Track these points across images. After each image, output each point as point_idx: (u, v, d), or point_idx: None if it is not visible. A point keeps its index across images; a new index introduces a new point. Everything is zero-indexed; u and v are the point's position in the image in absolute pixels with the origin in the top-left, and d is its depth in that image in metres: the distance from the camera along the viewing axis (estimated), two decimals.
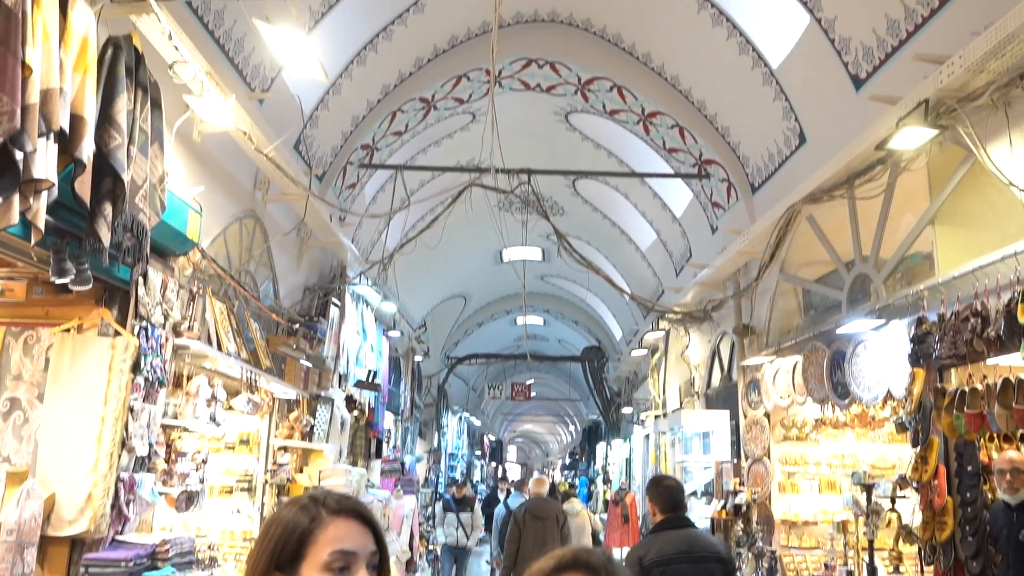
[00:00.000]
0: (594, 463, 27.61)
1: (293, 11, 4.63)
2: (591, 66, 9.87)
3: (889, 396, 6.34)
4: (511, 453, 57.85)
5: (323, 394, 9.89)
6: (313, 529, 1.66)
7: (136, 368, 5.24)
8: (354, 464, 11.34)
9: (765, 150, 8.84)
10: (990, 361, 5.06)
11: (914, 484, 5.83)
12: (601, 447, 25.56)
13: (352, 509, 1.72)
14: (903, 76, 6.05)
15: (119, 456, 5.10)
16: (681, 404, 13.28)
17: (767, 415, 8.86)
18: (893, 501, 6.25)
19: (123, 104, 4.54)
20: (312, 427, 9.18)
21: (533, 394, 28.96)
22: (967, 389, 5.03)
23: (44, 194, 3.89)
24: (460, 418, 30.44)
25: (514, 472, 45.86)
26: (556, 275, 19.57)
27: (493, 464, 42.45)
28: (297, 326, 8.69)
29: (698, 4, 8.14)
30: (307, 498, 1.74)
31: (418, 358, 18.58)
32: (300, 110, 7.97)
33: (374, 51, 8.82)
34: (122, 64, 4.59)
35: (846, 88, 6.96)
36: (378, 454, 13.09)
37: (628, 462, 18.86)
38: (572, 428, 45.02)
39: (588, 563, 1.67)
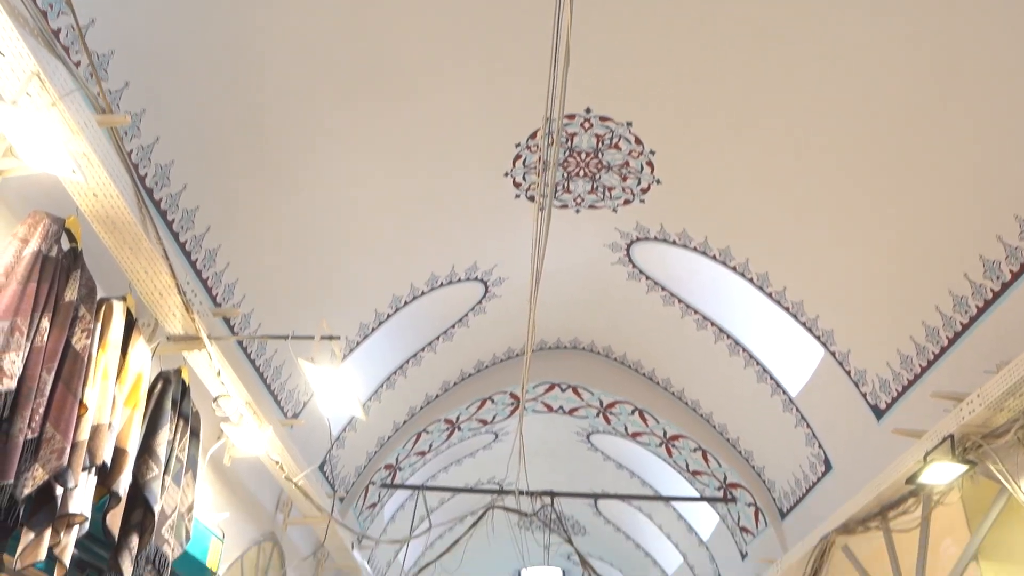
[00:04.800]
0: None
1: (335, 350, 4.93)
2: (612, 390, 10.16)
3: None
4: None
5: None
6: None
7: None
8: None
9: (791, 475, 8.78)
10: None
11: None
12: None
13: None
14: (925, 408, 6.17)
15: None
16: None
17: None
18: None
19: (164, 436, 4.67)
20: None
21: None
22: None
23: (75, 528, 3.89)
24: None
25: None
26: None
27: None
28: None
29: (714, 335, 8.57)
30: None
31: None
32: (329, 432, 8.13)
33: (403, 375, 9.18)
34: (169, 397, 4.80)
35: (867, 418, 7.08)
36: None
37: None
38: None
39: None
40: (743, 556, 10.46)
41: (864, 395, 7.10)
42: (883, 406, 6.93)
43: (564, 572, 17.02)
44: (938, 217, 5.77)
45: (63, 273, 3.87)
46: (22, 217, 3.80)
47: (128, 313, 4.40)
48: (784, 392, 8.24)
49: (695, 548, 12.07)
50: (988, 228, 5.41)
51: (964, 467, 5.37)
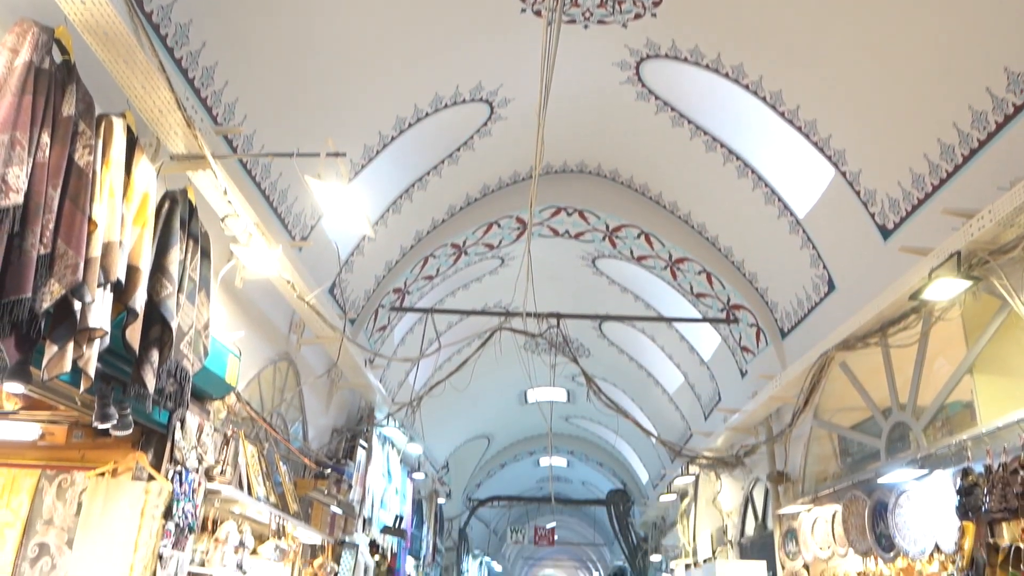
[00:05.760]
0: None
1: (341, 168, 4.86)
2: (619, 214, 10.15)
3: (937, 550, 6.11)
4: None
5: (348, 539, 9.66)
6: None
7: (168, 514, 5.18)
8: None
9: (794, 296, 8.92)
10: None
11: None
12: None
13: None
14: (931, 227, 6.17)
15: None
16: (713, 553, 12.81)
17: (806, 567, 8.52)
18: None
19: (175, 255, 4.70)
20: (336, 574, 8.91)
21: (556, 538, 28.04)
22: (1022, 545, 4.84)
23: (96, 342, 3.98)
24: (481, 563, 29.45)
25: None
26: (581, 416, 19.40)
27: None
28: (329, 471, 8.60)
29: (723, 157, 8.44)
30: None
31: (440, 500, 18.21)
32: (337, 256, 8.20)
33: (409, 199, 9.15)
34: (177, 217, 4.79)
35: (874, 238, 7.09)
36: None
37: None
38: (596, 574, 43.27)
39: None
40: (743, 374, 10.82)
41: (872, 215, 7.08)
42: (891, 226, 6.93)
43: (568, 392, 17.71)
44: (963, 29, 5.52)
45: (58, 87, 3.75)
46: (7, 29, 3.63)
47: (129, 131, 4.30)
48: (791, 214, 8.22)
49: (696, 368, 12.47)
50: (1017, 39, 5.19)
51: (968, 283, 5.43)
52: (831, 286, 8.17)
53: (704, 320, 10.71)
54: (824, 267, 8.14)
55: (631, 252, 10.78)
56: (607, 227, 10.49)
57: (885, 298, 6.60)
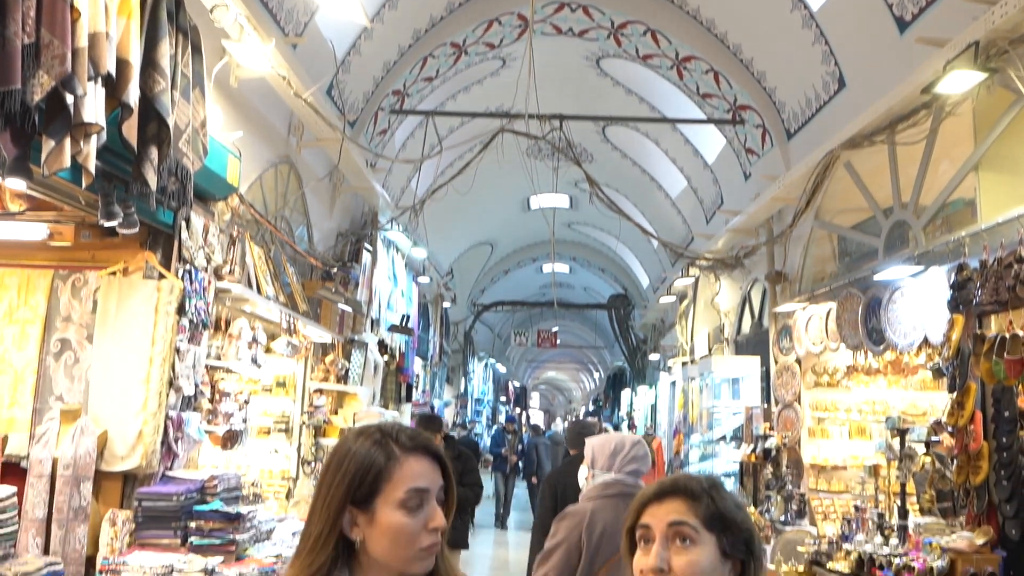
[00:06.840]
0: (619, 410, 27.87)
1: None
2: (624, 9, 9.71)
3: (926, 343, 6.33)
4: (534, 400, 58.49)
5: (357, 338, 10.03)
6: (388, 467, 1.64)
7: (181, 310, 5.34)
8: (385, 408, 11.54)
9: (802, 95, 8.70)
10: None
11: (949, 429, 5.85)
12: (626, 394, 25.77)
13: (423, 446, 1.71)
14: (950, 18, 5.90)
15: (167, 395, 5.24)
16: (710, 351, 13.33)
17: (798, 361, 8.87)
18: (927, 446, 6.28)
19: (166, 48, 4.55)
20: (347, 370, 9.32)
21: (559, 341, 29.13)
22: (1008, 335, 5.00)
23: (94, 138, 3.94)
24: (486, 364, 30.79)
25: (537, 418, 46.47)
26: (583, 223, 19.54)
27: (517, 410, 43.02)
28: (335, 271, 8.78)
29: None
30: (378, 432, 1.70)
31: (446, 304, 18.75)
32: (333, 55, 7.94)
33: None
34: (163, 8, 4.60)
35: (890, 31, 6.81)
36: (408, 398, 13.31)
37: (653, 408, 19.02)
38: (596, 375, 45.36)
39: (687, 488, 1.70)
40: (746, 177, 10.77)
41: (890, 6, 6.76)
42: (908, 17, 6.63)
43: (571, 198, 17.73)
44: None
45: None
46: None
47: None
48: (805, 6, 7.85)
49: (699, 171, 12.41)
50: None
51: (984, 75, 5.27)
52: (842, 84, 7.95)
53: (709, 121, 10.54)
54: (836, 63, 7.89)
55: (636, 51, 10.42)
56: (612, 24, 10.06)
57: (896, 93, 6.43)
